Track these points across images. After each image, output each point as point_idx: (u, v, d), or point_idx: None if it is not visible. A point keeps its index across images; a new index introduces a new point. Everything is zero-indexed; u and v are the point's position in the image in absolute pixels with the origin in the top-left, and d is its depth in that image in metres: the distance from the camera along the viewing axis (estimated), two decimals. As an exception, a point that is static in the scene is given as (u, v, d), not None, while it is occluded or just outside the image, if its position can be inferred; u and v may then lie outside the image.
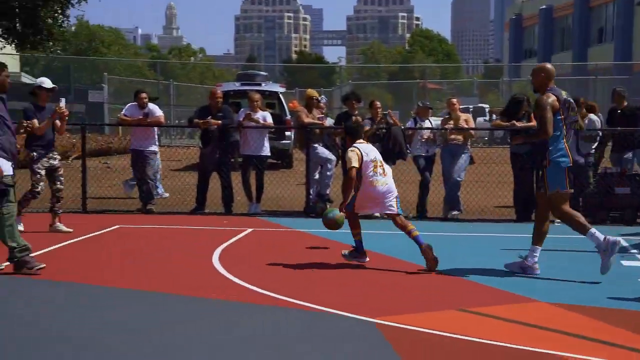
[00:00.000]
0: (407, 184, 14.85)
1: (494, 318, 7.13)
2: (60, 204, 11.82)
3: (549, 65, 9.29)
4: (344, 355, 6.02)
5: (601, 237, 8.54)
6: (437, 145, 14.16)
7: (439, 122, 15.17)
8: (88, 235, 11.45)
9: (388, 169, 9.45)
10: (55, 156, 11.75)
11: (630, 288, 8.39)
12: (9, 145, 8.76)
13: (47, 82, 11.73)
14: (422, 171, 13.92)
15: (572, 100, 9.06)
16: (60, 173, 11.81)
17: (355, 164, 9.02)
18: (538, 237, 8.96)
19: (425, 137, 13.96)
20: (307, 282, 8.59)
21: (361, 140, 9.45)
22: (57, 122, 11.50)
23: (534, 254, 8.89)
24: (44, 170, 11.56)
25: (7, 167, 8.62)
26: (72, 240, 11.00)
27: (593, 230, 8.67)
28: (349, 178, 9.08)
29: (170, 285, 8.34)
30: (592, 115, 14.22)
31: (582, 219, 8.89)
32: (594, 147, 14.16)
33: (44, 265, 8.73)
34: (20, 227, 11.44)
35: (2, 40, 21.69)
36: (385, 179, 9.19)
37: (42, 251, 10.05)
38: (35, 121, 11.24)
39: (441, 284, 8.62)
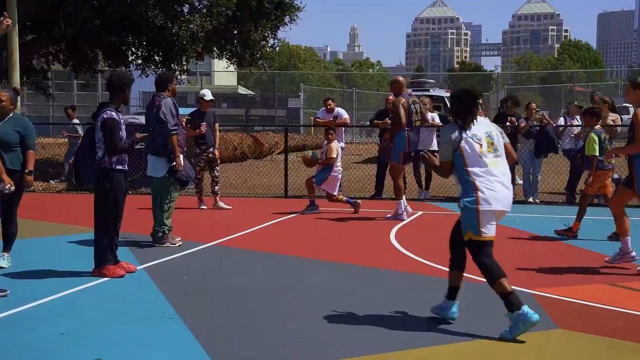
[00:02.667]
0: (558, 174, 14.36)
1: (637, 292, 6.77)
2: (218, 187, 12.63)
3: (400, 78, 11.54)
4: (505, 319, 5.85)
5: (402, 207, 11.18)
6: (582, 139, 13.61)
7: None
8: (289, 217, 11.69)
9: None
10: (213, 151, 12.43)
11: None
12: (183, 142, 9.13)
13: (207, 94, 12.54)
14: (574, 162, 13.45)
15: (418, 105, 11.39)
16: (216, 164, 12.58)
17: None
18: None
19: (575, 132, 13.51)
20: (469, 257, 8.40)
21: None
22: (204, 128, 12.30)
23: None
24: (203, 162, 12.41)
25: (185, 162, 9.03)
26: (276, 220, 11.25)
27: (404, 199, 11.29)
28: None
29: (355, 258, 8.38)
30: None
31: (402, 189, 11.26)
32: None
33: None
34: (203, 206, 12.42)
35: (228, 61, 22.72)
36: None
37: (255, 228, 10.36)
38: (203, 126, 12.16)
39: (592, 261, 8.23)
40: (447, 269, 5.95)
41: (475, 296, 6.62)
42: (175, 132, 8.79)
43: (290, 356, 4.99)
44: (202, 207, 12.44)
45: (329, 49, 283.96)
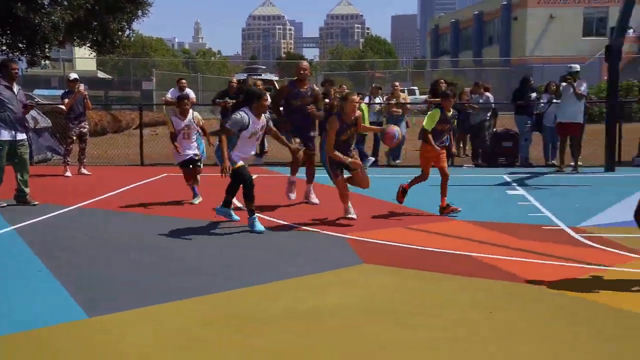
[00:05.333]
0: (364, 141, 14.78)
1: (431, 233, 7.09)
2: (85, 157, 12.15)
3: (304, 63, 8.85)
4: (324, 259, 5.96)
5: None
6: (383, 115, 14.09)
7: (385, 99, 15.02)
8: (145, 181, 11.28)
9: None
10: (85, 125, 11.98)
11: (514, 208, 8.39)
12: (8, 119, 8.51)
13: (71, 75, 12.30)
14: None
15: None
16: (86, 137, 12.13)
17: None
18: None
19: (377, 109, 13.94)
20: (296, 210, 8.49)
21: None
22: (87, 101, 11.93)
23: None
24: (75, 136, 11.93)
25: (4, 134, 8.52)
26: (135, 184, 10.81)
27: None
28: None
29: (197, 214, 8.20)
30: (487, 93, 14.12)
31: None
32: (489, 115, 14.05)
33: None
34: (68, 174, 11.78)
35: (89, 49, 21.56)
36: None
37: (114, 192, 9.90)
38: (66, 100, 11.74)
39: (392, 210, 8.48)
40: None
41: (298, 241, 6.69)
42: None
43: (137, 290, 4.82)
44: (67, 174, 11.74)
45: (176, 40, 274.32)
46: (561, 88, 12.10)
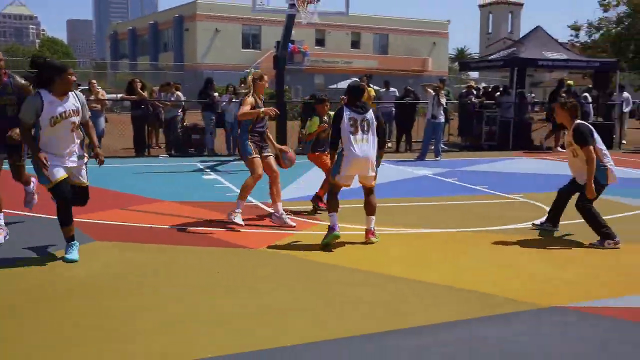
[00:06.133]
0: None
1: (147, 212, 7.04)
2: None
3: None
4: (55, 241, 5.53)
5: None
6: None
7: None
8: None
9: None
10: None
11: (213, 190, 8.75)
12: None
13: None
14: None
15: None
16: None
17: None
18: None
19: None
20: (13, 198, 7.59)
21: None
22: None
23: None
24: None
25: None
26: None
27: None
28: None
29: None
30: (178, 92, 14.22)
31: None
32: (179, 111, 14.16)
33: None
34: None
35: None
36: None
37: None
38: None
39: (109, 196, 8.12)
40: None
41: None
42: None
43: None
44: None
45: None
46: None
